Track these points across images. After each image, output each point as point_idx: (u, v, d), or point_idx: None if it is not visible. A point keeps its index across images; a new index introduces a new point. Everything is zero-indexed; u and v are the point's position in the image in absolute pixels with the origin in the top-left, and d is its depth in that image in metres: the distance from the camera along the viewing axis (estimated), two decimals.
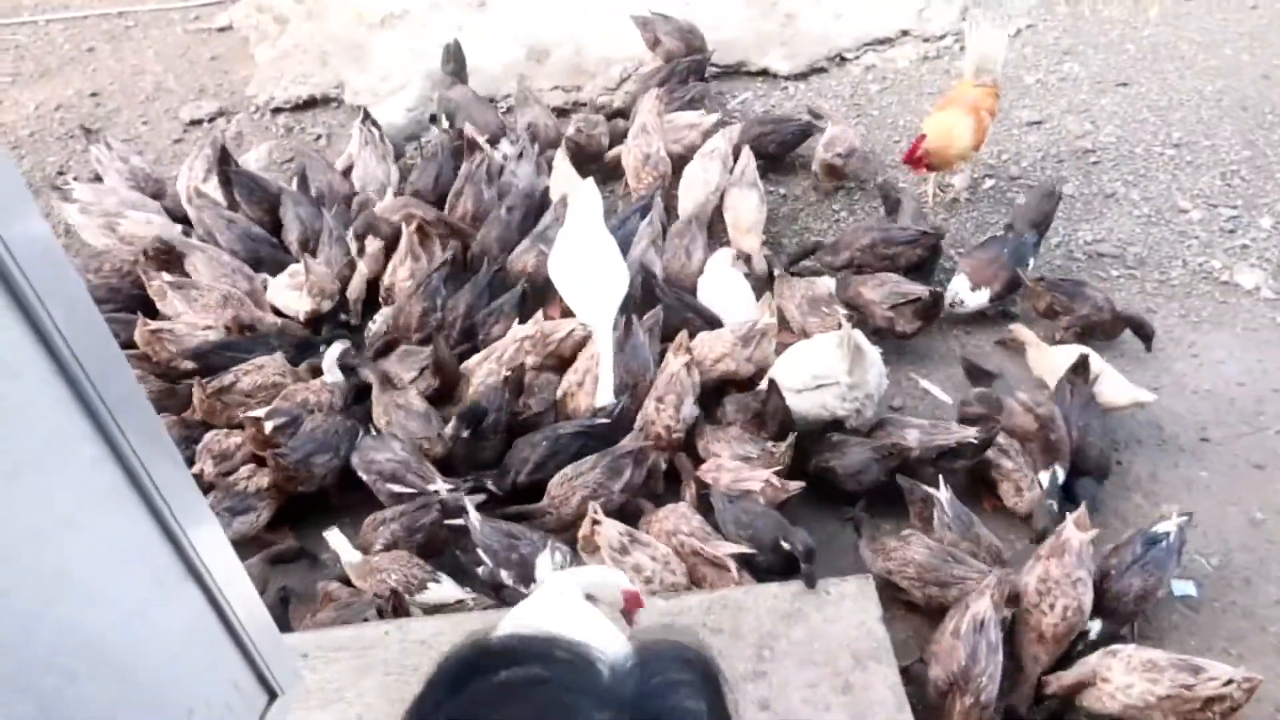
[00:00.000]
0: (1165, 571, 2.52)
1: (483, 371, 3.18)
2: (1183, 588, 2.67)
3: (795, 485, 2.82)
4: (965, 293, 3.40)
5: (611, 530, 2.63)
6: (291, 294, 3.50)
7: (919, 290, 3.29)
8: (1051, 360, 3.19)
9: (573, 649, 0.78)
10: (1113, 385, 3.08)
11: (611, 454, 2.86)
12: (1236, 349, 3.40)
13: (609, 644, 0.80)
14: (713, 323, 3.30)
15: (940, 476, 2.75)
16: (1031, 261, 3.48)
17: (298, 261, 3.51)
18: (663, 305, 3.30)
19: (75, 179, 4.23)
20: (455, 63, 4.43)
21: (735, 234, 3.66)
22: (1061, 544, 2.48)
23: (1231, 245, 3.77)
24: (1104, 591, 2.52)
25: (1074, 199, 4.04)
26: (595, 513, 2.66)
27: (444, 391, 3.23)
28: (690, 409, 3.01)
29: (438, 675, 0.77)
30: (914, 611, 2.63)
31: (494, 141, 4.06)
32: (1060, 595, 2.42)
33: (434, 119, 4.31)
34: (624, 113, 4.38)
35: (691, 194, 3.74)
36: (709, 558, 2.63)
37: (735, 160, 3.82)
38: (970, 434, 2.81)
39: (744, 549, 2.63)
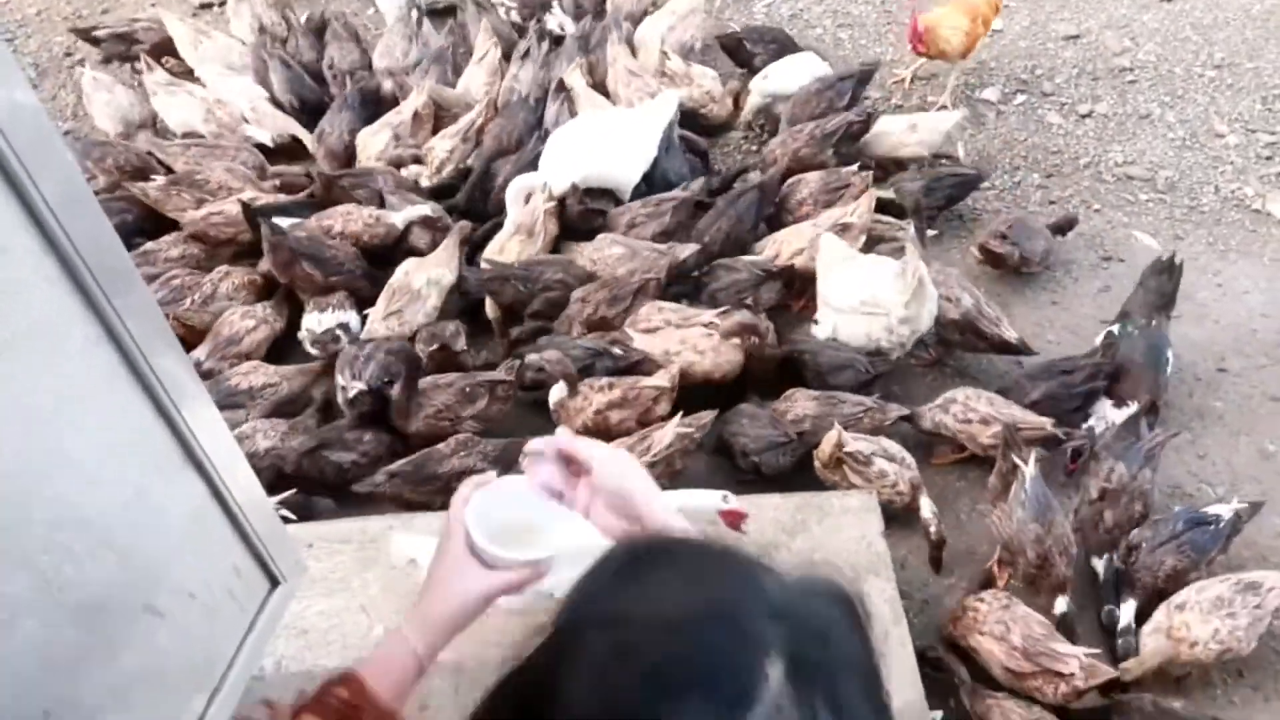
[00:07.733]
0: (1205, 555, 2.35)
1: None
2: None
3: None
4: (1108, 411, 2.80)
5: (857, 445, 2.48)
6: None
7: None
8: None
9: (745, 554, 0.74)
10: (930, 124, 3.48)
11: (470, 378, 2.73)
12: (1263, 280, 3.32)
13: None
14: None
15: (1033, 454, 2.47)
16: (1170, 354, 2.87)
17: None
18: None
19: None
20: None
21: None
22: None
23: (1267, 173, 3.66)
24: (1130, 563, 2.38)
25: (1107, 118, 3.92)
26: (840, 436, 2.47)
27: None
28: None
29: (606, 563, 0.74)
30: (915, 530, 2.61)
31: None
32: None
33: None
34: None
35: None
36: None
37: None
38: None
39: None
